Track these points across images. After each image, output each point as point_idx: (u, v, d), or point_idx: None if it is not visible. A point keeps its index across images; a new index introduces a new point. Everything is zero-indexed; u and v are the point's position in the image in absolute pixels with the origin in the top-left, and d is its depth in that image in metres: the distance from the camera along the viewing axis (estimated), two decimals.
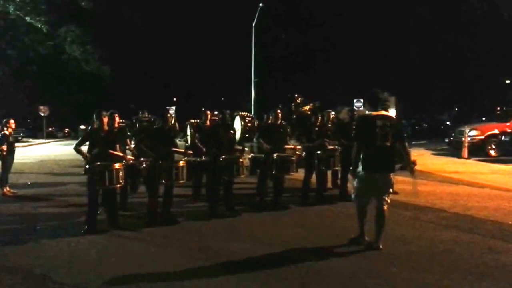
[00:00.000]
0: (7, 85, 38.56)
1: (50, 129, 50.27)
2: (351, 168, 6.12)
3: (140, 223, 7.55)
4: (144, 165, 7.90)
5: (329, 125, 9.80)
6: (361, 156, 5.86)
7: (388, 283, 4.84)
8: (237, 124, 10.40)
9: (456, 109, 43.36)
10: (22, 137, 39.92)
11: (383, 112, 5.87)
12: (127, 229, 7.17)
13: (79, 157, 7.68)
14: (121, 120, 8.73)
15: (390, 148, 5.79)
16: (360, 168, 5.88)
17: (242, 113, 11.11)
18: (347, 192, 9.59)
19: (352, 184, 6.22)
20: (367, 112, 5.98)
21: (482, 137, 18.31)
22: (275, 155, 8.59)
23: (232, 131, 8.97)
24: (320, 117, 9.54)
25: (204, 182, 9.26)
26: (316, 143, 9.11)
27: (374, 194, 5.97)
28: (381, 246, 5.87)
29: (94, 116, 7.49)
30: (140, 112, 11.01)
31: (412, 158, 11.09)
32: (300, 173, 9.25)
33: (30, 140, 41.21)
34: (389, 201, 6.00)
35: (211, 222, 7.76)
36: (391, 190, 6.07)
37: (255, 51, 30.62)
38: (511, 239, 6.49)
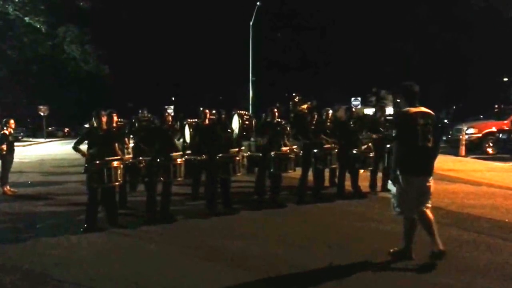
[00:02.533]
0: (6, 85, 38.58)
1: (50, 128, 50.36)
2: (391, 171, 5.43)
3: (139, 221, 7.60)
4: (143, 163, 7.97)
5: (328, 124, 9.86)
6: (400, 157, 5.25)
7: (385, 280, 4.90)
8: (235, 122, 10.42)
9: (454, 107, 43.36)
10: (22, 136, 39.99)
11: (423, 108, 5.29)
12: (126, 227, 7.23)
13: (79, 156, 7.74)
14: (119, 120, 8.80)
15: (432, 149, 5.26)
16: (397, 172, 5.25)
17: (240, 111, 11.12)
18: (344, 190, 9.67)
19: (392, 192, 5.46)
20: (403, 108, 5.35)
21: (480, 135, 18.38)
22: (272, 153, 8.65)
23: (229, 130, 9.03)
24: (316, 116, 9.59)
25: (203, 180, 9.32)
26: (313, 142, 9.17)
27: (417, 201, 5.31)
28: (441, 248, 5.23)
29: (93, 115, 7.55)
30: (140, 112, 11.07)
31: None
32: (298, 172, 9.30)
33: (30, 139, 41.28)
34: (430, 205, 5.40)
35: (209, 220, 7.82)
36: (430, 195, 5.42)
37: (253, 50, 30.65)
38: (508, 237, 6.52)
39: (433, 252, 5.24)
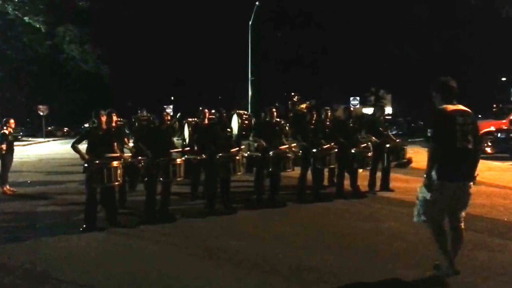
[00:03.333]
0: (6, 84, 38.62)
1: (49, 128, 50.37)
2: (425, 176, 4.67)
3: (138, 221, 7.61)
4: (142, 163, 7.99)
5: (327, 123, 9.90)
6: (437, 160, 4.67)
7: (383, 279, 4.91)
8: (235, 122, 10.49)
9: None
10: (22, 136, 40.02)
11: (461, 106, 4.75)
12: (126, 226, 7.25)
13: (78, 155, 7.73)
14: (119, 119, 8.81)
15: (473, 151, 4.67)
16: (434, 177, 4.66)
17: (239, 111, 11.19)
18: (343, 190, 9.69)
19: (420, 197, 4.84)
20: (439, 106, 4.76)
21: None
22: (271, 152, 8.66)
23: (229, 129, 9.05)
24: (315, 115, 9.61)
25: (202, 180, 9.33)
26: (312, 142, 9.20)
27: (449, 209, 4.78)
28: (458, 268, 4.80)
29: (93, 115, 7.57)
30: (139, 111, 11.10)
31: (408, 155, 11.26)
32: (297, 171, 9.33)
33: (30, 139, 41.30)
34: (464, 215, 4.86)
35: (209, 219, 7.84)
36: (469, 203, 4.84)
37: (252, 49, 30.69)
38: (507, 236, 6.55)
39: (439, 267, 4.90)
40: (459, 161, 4.60)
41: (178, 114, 10.17)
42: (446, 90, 4.81)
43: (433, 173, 4.61)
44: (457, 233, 4.82)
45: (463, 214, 4.81)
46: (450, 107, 4.67)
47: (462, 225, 4.82)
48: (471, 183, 4.71)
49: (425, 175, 4.67)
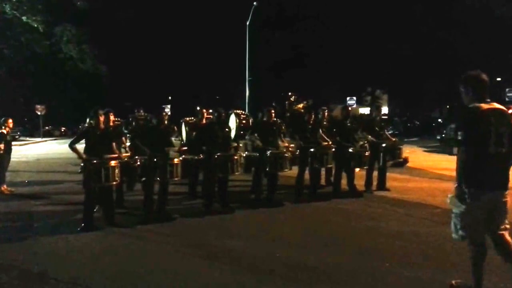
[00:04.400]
0: (4, 84, 38.58)
1: (47, 127, 50.37)
2: (456, 185, 4.09)
3: (136, 220, 7.62)
4: (139, 163, 8.01)
5: (324, 123, 9.93)
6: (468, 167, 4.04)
7: (381, 279, 4.92)
8: (232, 122, 10.50)
9: (448, 106, 43.41)
10: (20, 136, 40.01)
11: (495, 105, 4.11)
12: (123, 226, 7.26)
13: (75, 155, 7.73)
14: (116, 119, 8.83)
15: (507, 156, 4.06)
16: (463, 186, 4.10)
17: (237, 111, 11.20)
18: (340, 189, 9.73)
19: (454, 211, 4.25)
20: (470, 104, 4.12)
21: None
22: (268, 152, 8.69)
23: (227, 129, 9.07)
24: (313, 115, 9.65)
25: (201, 179, 9.35)
26: (310, 141, 9.24)
27: (488, 224, 4.18)
28: None
29: (91, 114, 7.59)
30: (136, 111, 11.09)
31: (404, 155, 11.30)
32: (294, 171, 9.37)
33: (27, 138, 41.30)
34: (508, 226, 4.24)
35: (206, 219, 7.85)
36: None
37: (249, 49, 30.74)
38: None
39: None
40: (492, 167, 4.01)
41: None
42: (477, 85, 4.15)
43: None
44: (501, 240, 4.22)
45: (506, 223, 4.22)
46: (484, 105, 4.03)
47: (506, 234, 4.21)
48: (507, 191, 4.13)
49: (456, 185, 4.11)
